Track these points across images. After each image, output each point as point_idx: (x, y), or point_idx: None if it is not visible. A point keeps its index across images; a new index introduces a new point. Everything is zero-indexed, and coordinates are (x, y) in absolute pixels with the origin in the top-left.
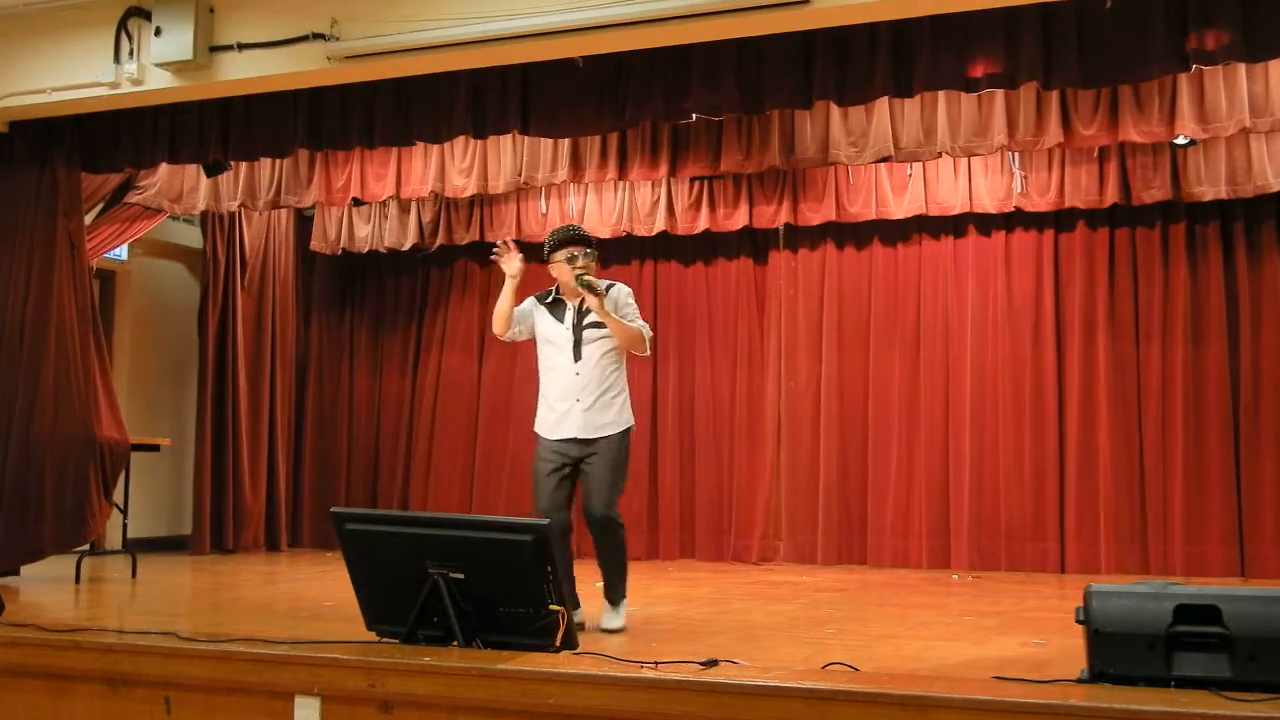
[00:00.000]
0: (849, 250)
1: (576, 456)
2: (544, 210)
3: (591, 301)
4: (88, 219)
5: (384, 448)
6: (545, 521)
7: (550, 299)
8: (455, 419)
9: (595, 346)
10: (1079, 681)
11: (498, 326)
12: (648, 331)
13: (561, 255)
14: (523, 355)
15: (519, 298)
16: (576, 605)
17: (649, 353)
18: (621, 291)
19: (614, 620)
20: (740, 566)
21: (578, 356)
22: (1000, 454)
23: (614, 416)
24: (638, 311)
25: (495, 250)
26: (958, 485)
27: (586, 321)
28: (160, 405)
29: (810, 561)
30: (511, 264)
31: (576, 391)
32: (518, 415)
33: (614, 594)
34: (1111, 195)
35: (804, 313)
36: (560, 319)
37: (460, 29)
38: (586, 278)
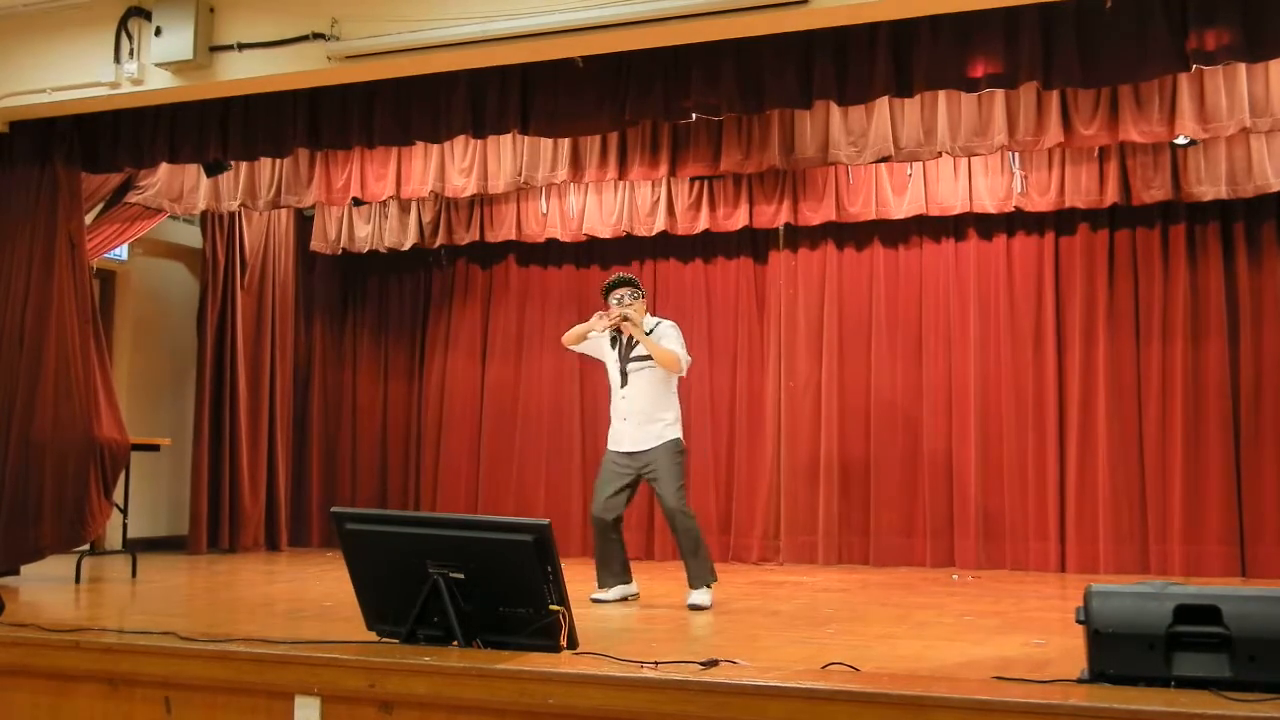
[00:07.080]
0: (849, 250)
1: (636, 467)
2: (544, 210)
3: (628, 329)
4: (88, 219)
5: (389, 448)
6: (545, 521)
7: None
8: (460, 419)
9: (640, 375)
10: (1079, 681)
11: (567, 340)
12: (685, 356)
13: (610, 299)
14: (525, 357)
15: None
16: (610, 584)
17: (684, 373)
18: (664, 324)
19: (696, 598)
20: (740, 566)
21: (624, 383)
22: (1000, 453)
23: (660, 431)
24: (674, 342)
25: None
26: (958, 485)
27: (632, 355)
28: (160, 405)
29: (810, 561)
30: (599, 320)
31: (624, 412)
32: (523, 416)
33: (694, 579)
34: (1111, 195)
35: (804, 312)
36: (613, 347)
37: (460, 29)
38: (609, 317)
